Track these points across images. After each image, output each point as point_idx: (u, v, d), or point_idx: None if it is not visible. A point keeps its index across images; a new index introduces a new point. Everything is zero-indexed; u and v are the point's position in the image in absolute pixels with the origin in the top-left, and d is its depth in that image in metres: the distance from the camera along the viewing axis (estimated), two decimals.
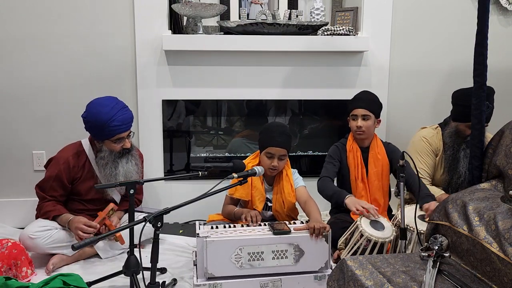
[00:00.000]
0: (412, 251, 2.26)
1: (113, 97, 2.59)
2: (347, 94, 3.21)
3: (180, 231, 3.02)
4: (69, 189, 2.61)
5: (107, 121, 2.44)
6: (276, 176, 2.58)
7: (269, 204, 2.59)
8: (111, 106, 2.48)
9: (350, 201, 2.44)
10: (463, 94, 2.71)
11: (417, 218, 2.21)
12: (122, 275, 2.19)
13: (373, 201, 2.66)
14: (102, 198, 2.67)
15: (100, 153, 2.57)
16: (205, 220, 2.67)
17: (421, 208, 2.43)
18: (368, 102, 2.69)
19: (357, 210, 2.36)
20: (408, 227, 2.28)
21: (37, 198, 2.61)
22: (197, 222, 2.33)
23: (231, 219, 2.55)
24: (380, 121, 2.75)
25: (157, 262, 1.83)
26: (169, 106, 3.15)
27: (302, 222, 2.34)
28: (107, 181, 2.57)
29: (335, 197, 2.52)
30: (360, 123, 2.65)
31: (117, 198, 2.73)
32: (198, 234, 2.17)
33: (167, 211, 1.83)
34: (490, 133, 2.37)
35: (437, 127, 2.92)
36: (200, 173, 2.21)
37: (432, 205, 2.38)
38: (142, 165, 2.82)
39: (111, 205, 2.57)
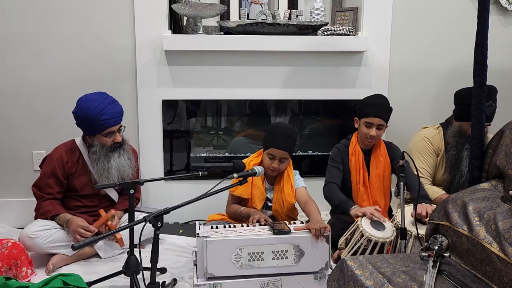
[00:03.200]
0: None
1: (103, 92, 2.62)
2: (347, 94, 3.23)
3: (180, 231, 3.02)
4: (65, 185, 2.63)
5: (97, 115, 2.48)
6: (277, 175, 2.58)
7: (269, 204, 2.59)
8: (100, 100, 2.52)
9: (355, 211, 2.43)
10: (468, 92, 2.69)
11: (416, 222, 2.20)
12: (122, 275, 2.19)
13: (374, 203, 2.65)
14: (98, 194, 2.69)
15: (92, 148, 2.60)
16: (205, 220, 2.67)
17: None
18: (385, 111, 2.64)
19: (362, 213, 2.36)
20: (407, 231, 2.26)
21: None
22: (197, 222, 2.33)
23: (236, 218, 2.54)
24: (388, 125, 2.71)
25: (157, 262, 1.83)
26: (169, 106, 3.15)
27: (302, 222, 2.34)
28: (100, 175, 2.60)
29: (341, 207, 2.53)
30: (374, 133, 2.60)
31: (112, 193, 2.74)
32: (198, 234, 2.17)
33: (167, 211, 1.83)
34: (491, 133, 2.37)
35: (439, 127, 2.91)
36: (200, 173, 2.22)
37: (425, 207, 2.37)
38: (137, 161, 2.84)
39: (112, 211, 2.60)
